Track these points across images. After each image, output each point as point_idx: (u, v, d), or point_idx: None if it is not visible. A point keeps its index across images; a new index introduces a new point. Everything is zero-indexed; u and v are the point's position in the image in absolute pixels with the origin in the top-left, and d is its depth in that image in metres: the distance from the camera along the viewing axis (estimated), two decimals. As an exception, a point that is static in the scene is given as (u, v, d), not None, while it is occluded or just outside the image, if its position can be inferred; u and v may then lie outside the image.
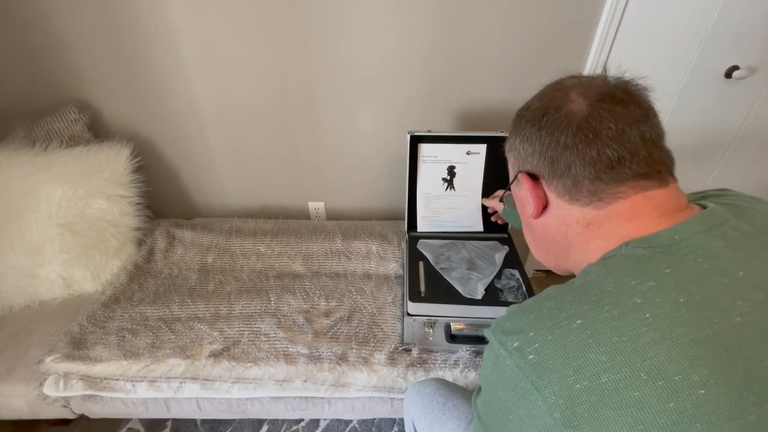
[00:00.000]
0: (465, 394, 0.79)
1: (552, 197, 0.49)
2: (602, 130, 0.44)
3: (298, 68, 1.27)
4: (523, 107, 0.54)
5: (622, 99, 0.45)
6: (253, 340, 1.03)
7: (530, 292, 1.00)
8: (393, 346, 1.02)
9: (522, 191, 0.53)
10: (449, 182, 1.22)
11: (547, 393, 0.35)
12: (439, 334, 1.00)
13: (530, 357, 0.37)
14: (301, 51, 1.24)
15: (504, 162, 1.22)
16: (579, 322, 0.37)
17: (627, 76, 0.48)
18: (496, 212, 1.18)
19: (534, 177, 0.50)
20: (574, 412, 0.34)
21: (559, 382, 0.35)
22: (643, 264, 0.40)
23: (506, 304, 0.98)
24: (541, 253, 0.57)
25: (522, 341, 0.39)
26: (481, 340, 0.99)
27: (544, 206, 0.50)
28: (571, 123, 0.45)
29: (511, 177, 0.55)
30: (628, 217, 0.44)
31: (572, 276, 0.50)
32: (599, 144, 0.44)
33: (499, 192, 1.15)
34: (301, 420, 1.24)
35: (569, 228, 0.48)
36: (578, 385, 0.35)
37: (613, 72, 0.50)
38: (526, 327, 0.40)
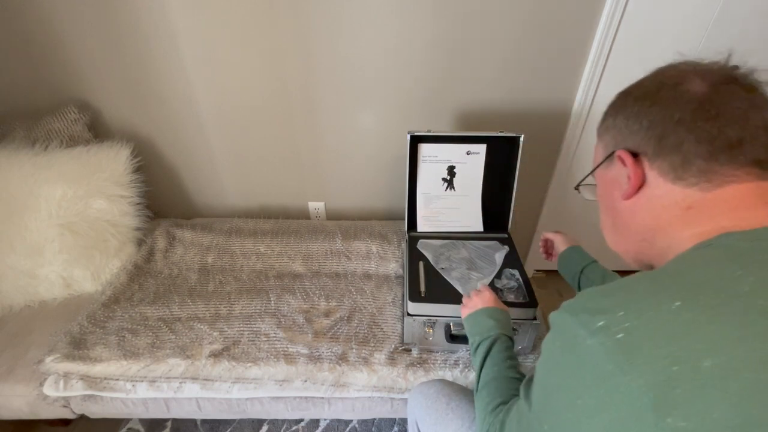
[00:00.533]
0: (468, 394, 0.79)
1: (652, 176, 0.46)
2: (726, 109, 0.42)
3: (298, 68, 1.27)
4: (632, 86, 0.52)
5: (746, 85, 0.44)
6: (253, 340, 1.03)
7: (530, 292, 1.00)
8: (393, 346, 1.02)
9: (612, 171, 0.51)
10: (449, 182, 1.22)
11: (637, 374, 0.34)
12: (439, 334, 1.00)
13: (618, 336, 0.35)
14: (301, 51, 1.24)
15: (504, 162, 1.20)
16: (678, 304, 0.35)
17: (736, 62, 0.47)
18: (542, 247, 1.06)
19: (634, 155, 0.47)
20: (669, 396, 0.32)
21: (653, 363, 0.34)
22: (749, 256, 0.38)
23: (507, 304, 0.98)
24: (620, 241, 0.54)
25: (609, 321, 0.37)
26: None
27: (640, 186, 0.47)
28: (692, 100, 0.44)
29: (600, 159, 0.53)
30: (735, 204, 0.42)
31: (648, 270, 0.48)
32: (721, 122, 0.42)
33: (550, 234, 1.03)
34: (301, 420, 1.24)
35: (664, 210, 0.46)
36: (676, 368, 0.33)
37: (721, 58, 0.49)
38: (614, 306, 0.38)
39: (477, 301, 0.82)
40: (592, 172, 0.57)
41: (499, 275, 1.07)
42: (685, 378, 0.32)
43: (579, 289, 0.90)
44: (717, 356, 0.32)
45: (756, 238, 0.39)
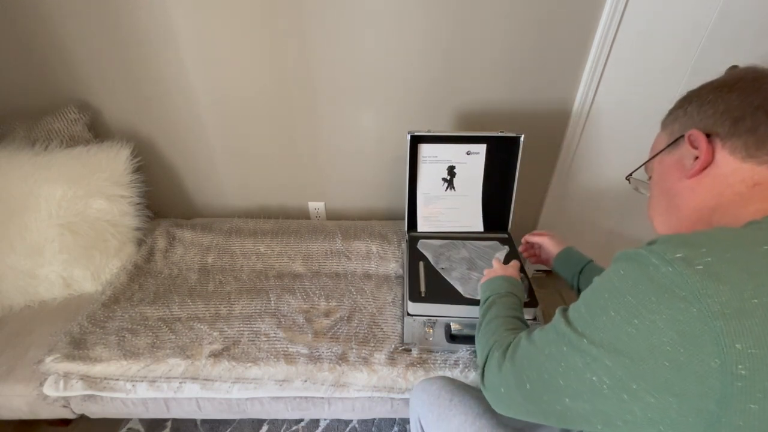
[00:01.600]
0: (471, 390, 0.79)
1: (722, 155, 0.48)
2: None
3: (298, 68, 1.27)
4: (706, 83, 0.54)
5: None
6: (253, 340, 1.03)
7: (530, 292, 1.00)
8: (393, 346, 1.02)
9: (676, 154, 0.53)
10: (449, 182, 1.22)
11: (711, 302, 0.35)
12: (439, 334, 1.00)
13: (698, 267, 0.36)
14: (302, 51, 1.24)
15: (504, 162, 1.20)
16: (765, 248, 0.37)
17: None
18: (528, 250, 1.06)
19: (706, 134, 0.49)
20: (742, 325, 0.34)
21: (732, 293, 0.35)
22: None
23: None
24: (673, 223, 0.55)
25: (690, 253, 0.38)
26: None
27: (708, 164, 0.49)
28: None
29: (663, 145, 0.56)
30: None
31: None
32: None
33: (535, 237, 1.04)
34: (301, 420, 1.24)
35: (728, 188, 0.47)
36: (755, 300, 0.34)
37: None
38: (697, 243, 0.39)
39: (498, 268, 0.87)
40: (654, 157, 0.58)
41: None
42: (764, 310, 0.34)
43: (578, 289, 0.90)
44: None
45: None
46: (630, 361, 0.39)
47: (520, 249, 1.07)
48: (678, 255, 0.38)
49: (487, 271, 0.89)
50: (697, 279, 0.36)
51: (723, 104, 0.48)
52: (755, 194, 0.46)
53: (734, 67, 0.55)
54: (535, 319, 0.97)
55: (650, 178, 0.60)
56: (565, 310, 0.50)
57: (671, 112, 0.57)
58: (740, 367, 0.33)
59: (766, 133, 0.45)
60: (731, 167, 0.47)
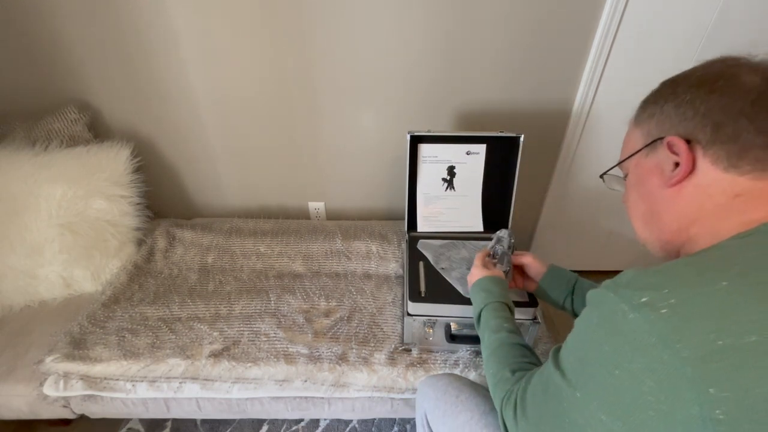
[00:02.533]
0: (477, 388, 0.79)
1: (703, 164, 0.46)
2: None
3: (298, 68, 1.27)
4: (679, 75, 0.52)
5: None
6: (253, 340, 1.03)
7: (530, 292, 0.99)
8: (393, 346, 1.02)
9: (655, 158, 0.51)
10: (449, 182, 1.22)
11: (680, 347, 0.35)
12: (439, 334, 1.00)
13: (663, 311, 0.37)
14: (302, 52, 1.24)
15: (504, 162, 1.19)
16: (725, 284, 0.37)
17: None
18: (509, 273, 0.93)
19: (686, 141, 0.47)
20: (711, 369, 0.34)
21: (698, 337, 0.35)
22: None
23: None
24: (653, 231, 0.54)
25: (653, 297, 0.38)
26: (480, 340, 0.99)
27: (689, 173, 0.48)
28: (751, 91, 0.44)
29: (639, 146, 0.54)
30: None
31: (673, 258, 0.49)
32: None
33: (518, 258, 0.94)
34: (301, 420, 1.24)
35: (709, 199, 0.46)
36: (721, 342, 0.34)
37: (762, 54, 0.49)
38: (659, 284, 0.39)
39: (471, 276, 0.86)
40: (627, 159, 0.56)
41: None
42: (731, 352, 0.34)
43: (572, 309, 0.85)
44: (763, 333, 0.34)
45: None
46: (622, 413, 0.39)
47: None
48: (643, 299, 0.38)
49: (470, 276, 0.87)
50: (662, 325, 0.36)
51: (703, 106, 0.46)
52: (735, 206, 0.45)
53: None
54: (535, 318, 0.97)
55: (626, 176, 0.58)
56: (557, 352, 0.50)
57: (645, 106, 0.54)
58: (718, 411, 0.33)
59: (748, 142, 0.44)
60: (712, 177, 0.46)
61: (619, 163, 0.59)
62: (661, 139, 0.50)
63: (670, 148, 0.48)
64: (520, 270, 0.94)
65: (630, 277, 0.42)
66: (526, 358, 0.66)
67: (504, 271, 0.88)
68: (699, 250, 0.45)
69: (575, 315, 0.83)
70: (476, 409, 0.73)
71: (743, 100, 0.44)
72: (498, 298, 0.78)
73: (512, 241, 0.96)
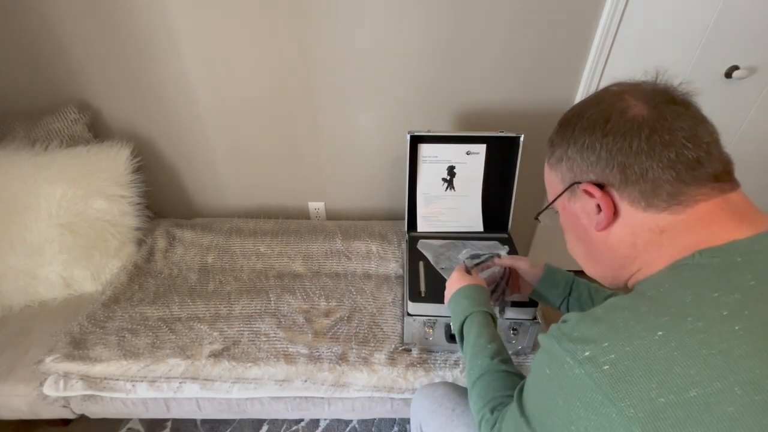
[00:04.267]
0: None
1: (623, 206, 0.46)
2: (676, 131, 0.43)
3: (298, 68, 1.27)
4: (572, 115, 0.51)
5: (681, 101, 0.45)
6: (253, 340, 1.03)
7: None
8: (393, 346, 1.02)
9: (578, 203, 0.50)
10: (449, 182, 1.22)
11: (624, 406, 0.34)
12: (439, 334, 1.00)
13: (605, 368, 0.36)
14: (301, 51, 1.24)
15: (504, 162, 1.19)
16: (660, 333, 0.36)
17: (664, 80, 0.48)
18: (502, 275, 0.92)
19: (599, 186, 0.47)
20: (657, 427, 0.33)
21: (640, 395, 0.34)
22: (724, 275, 0.38)
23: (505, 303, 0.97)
24: (597, 269, 0.54)
25: (595, 351, 0.37)
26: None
27: (613, 217, 0.47)
28: (642, 126, 0.44)
29: (559, 190, 0.53)
30: (707, 221, 0.43)
31: (624, 289, 0.50)
32: (676, 145, 0.43)
33: (509, 261, 0.92)
34: (301, 420, 1.24)
35: (638, 237, 0.46)
36: (662, 399, 0.33)
37: (649, 77, 0.49)
38: (599, 337, 0.38)
39: (449, 284, 0.83)
40: (551, 204, 0.56)
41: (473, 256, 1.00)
42: (673, 409, 0.33)
43: (568, 310, 0.85)
44: (702, 386, 0.33)
45: (727, 254, 0.40)
46: None
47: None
48: (586, 353, 0.38)
49: (448, 285, 0.84)
50: (606, 382, 0.36)
51: (603, 150, 0.46)
52: (664, 240, 0.44)
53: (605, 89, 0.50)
54: (535, 318, 0.98)
55: (557, 211, 0.57)
56: (521, 393, 0.49)
57: (552, 149, 0.53)
58: None
59: (656, 178, 0.43)
60: (634, 217, 0.46)
61: (546, 208, 0.58)
62: (577, 183, 0.49)
63: (587, 193, 0.48)
64: (515, 274, 0.91)
65: (573, 325, 0.41)
66: (509, 391, 0.61)
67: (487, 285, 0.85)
68: (643, 280, 0.45)
69: (568, 302, 0.84)
70: (472, 423, 0.73)
71: (637, 137, 0.44)
72: (481, 306, 0.74)
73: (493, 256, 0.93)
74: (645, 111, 0.45)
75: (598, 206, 0.47)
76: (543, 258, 1.71)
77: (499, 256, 0.93)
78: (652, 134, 0.43)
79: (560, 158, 0.51)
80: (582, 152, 0.48)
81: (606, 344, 0.37)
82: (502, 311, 0.94)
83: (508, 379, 0.64)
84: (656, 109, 0.44)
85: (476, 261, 0.91)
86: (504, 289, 0.91)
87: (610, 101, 0.47)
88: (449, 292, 0.82)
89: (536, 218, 0.63)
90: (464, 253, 1.12)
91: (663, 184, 0.43)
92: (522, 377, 0.64)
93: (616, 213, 0.47)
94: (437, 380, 0.97)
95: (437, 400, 0.78)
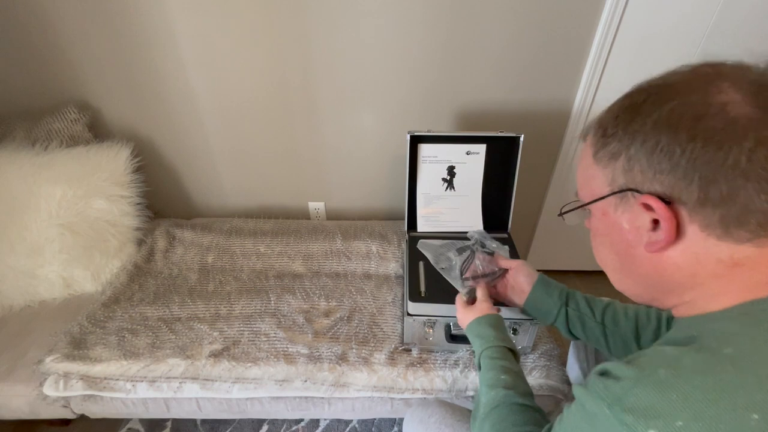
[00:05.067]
0: (468, 423, 0.74)
1: (691, 229, 0.37)
2: None
3: (297, 68, 1.27)
4: (645, 100, 0.39)
5: None
6: (253, 340, 1.03)
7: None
8: (393, 346, 1.02)
9: (626, 213, 0.41)
10: (449, 182, 1.22)
11: None
12: (439, 334, 0.99)
13: None
14: (301, 51, 1.24)
15: (504, 162, 1.17)
16: (756, 417, 0.28)
17: None
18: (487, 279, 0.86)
19: (665, 201, 0.37)
20: None
21: None
22: None
23: (507, 304, 0.97)
24: (631, 287, 0.46)
25: (664, 431, 0.30)
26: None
27: (674, 240, 0.38)
28: (746, 133, 0.33)
29: (602, 191, 0.43)
30: None
31: (658, 308, 0.44)
32: None
33: (505, 261, 0.87)
34: (301, 420, 1.24)
35: (701, 267, 0.37)
36: None
37: (755, 59, 0.40)
38: (669, 411, 0.31)
39: (460, 321, 0.77)
40: (586, 205, 0.46)
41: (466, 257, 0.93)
42: None
43: (567, 325, 0.76)
44: None
45: None
46: None
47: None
48: None
49: (459, 321, 0.78)
50: None
51: (685, 157, 0.35)
52: (737, 275, 0.36)
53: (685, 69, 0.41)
54: (535, 318, 0.97)
55: (588, 210, 0.48)
56: None
57: (604, 138, 0.41)
58: None
59: (747, 204, 0.34)
60: (703, 245, 0.37)
61: (579, 207, 0.49)
62: (631, 191, 0.39)
63: (646, 206, 0.38)
64: (504, 281, 0.86)
65: (628, 387, 0.34)
66: (528, 427, 0.56)
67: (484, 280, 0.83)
68: (698, 315, 0.38)
69: (570, 333, 0.77)
70: None
71: (737, 148, 0.34)
72: (492, 342, 0.69)
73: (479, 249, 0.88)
74: (751, 111, 0.34)
75: (654, 222, 0.38)
76: (543, 258, 1.71)
77: (490, 253, 0.88)
78: (758, 146, 0.33)
79: (616, 154, 0.40)
80: (652, 154, 0.37)
81: (680, 423, 0.30)
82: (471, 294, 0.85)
83: (527, 414, 0.58)
84: (763, 111, 0.34)
85: (464, 260, 0.89)
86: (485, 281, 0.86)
87: (703, 90, 0.37)
88: (463, 325, 0.77)
89: (561, 215, 0.54)
90: (456, 257, 1.01)
91: (755, 211, 0.34)
92: (542, 413, 0.59)
93: (678, 234, 0.38)
94: (437, 380, 0.97)
95: (433, 426, 0.72)
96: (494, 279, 0.87)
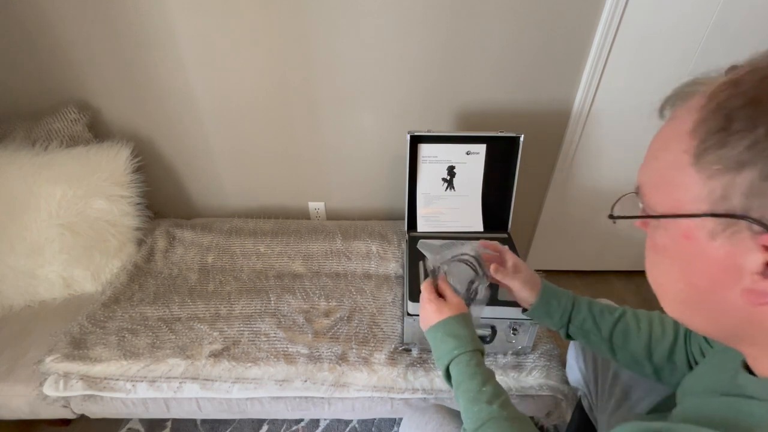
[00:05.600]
0: None
1: None
2: None
3: (297, 68, 1.27)
4: None
5: None
6: (253, 340, 1.03)
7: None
8: (393, 346, 1.02)
9: (726, 248, 0.30)
10: (449, 182, 1.22)
11: None
12: (439, 334, 0.99)
13: None
14: (301, 51, 1.24)
15: (504, 162, 1.15)
16: None
17: None
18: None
19: None
20: None
21: None
22: None
23: (507, 303, 0.97)
24: (698, 323, 0.36)
25: None
26: (480, 340, 0.98)
27: None
28: None
29: (693, 206, 0.31)
30: None
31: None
32: None
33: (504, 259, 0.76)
34: (301, 420, 1.24)
35: None
36: None
37: None
38: None
39: (424, 313, 0.68)
40: (662, 217, 0.34)
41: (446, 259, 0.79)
42: None
43: (567, 333, 0.72)
44: None
45: None
46: None
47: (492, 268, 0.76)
48: None
49: (422, 312, 0.68)
50: None
51: None
52: None
53: None
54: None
55: (650, 219, 0.36)
56: None
57: (727, 137, 0.29)
58: None
59: None
60: None
61: (649, 217, 0.36)
62: (752, 221, 0.28)
63: (765, 248, 0.28)
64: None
65: None
66: None
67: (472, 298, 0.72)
68: None
69: (568, 336, 0.73)
70: None
71: None
72: (468, 345, 0.61)
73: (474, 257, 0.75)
74: None
75: (767, 265, 0.28)
76: (543, 258, 1.71)
77: (477, 260, 0.74)
78: None
79: (741, 163, 0.28)
80: None
81: None
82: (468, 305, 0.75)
83: (515, 429, 0.54)
84: None
85: (447, 260, 0.75)
86: (477, 287, 0.74)
87: None
88: (426, 324, 0.67)
89: (611, 216, 0.41)
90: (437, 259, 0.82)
91: None
92: (527, 422, 0.56)
93: None
94: (437, 380, 0.97)
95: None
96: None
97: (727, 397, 0.34)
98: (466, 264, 0.74)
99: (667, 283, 0.37)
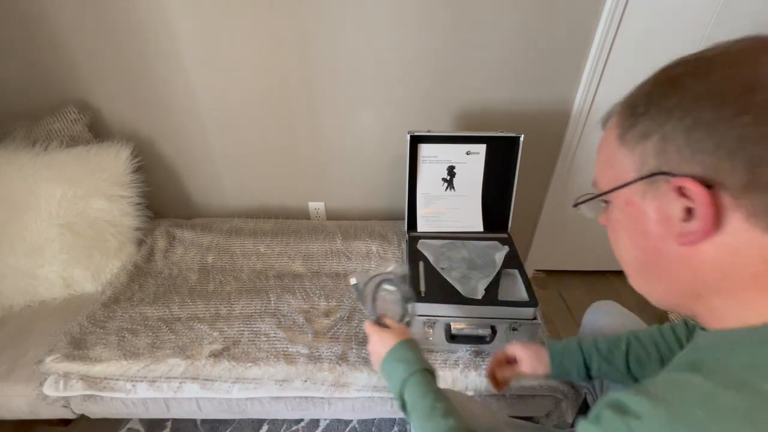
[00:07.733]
0: (476, 404, 0.74)
1: (733, 219, 0.32)
2: None
3: (297, 68, 1.27)
4: (683, 73, 0.37)
5: None
6: (253, 340, 1.03)
7: (530, 292, 0.99)
8: (393, 346, 1.02)
9: (656, 200, 0.36)
10: (449, 182, 1.22)
11: None
12: (439, 334, 0.99)
13: None
14: (301, 51, 1.24)
15: (504, 162, 1.16)
16: None
17: None
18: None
19: (706, 185, 0.32)
20: None
21: None
22: None
23: (507, 303, 0.97)
24: (654, 288, 0.41)
25: None
26: (480, 340, 0.99)
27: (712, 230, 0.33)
28: None
29: (628, 176, 0.38)
30: None
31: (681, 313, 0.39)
32: None
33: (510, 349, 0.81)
34: (301, 420, 1.24)
35: (741, 267, 0.33)
36: None
37: None
38: None
39: (374, 351, 0.69)
40: (608, 192, 0.41)
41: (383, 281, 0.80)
42: None
43: (588, 375, 0.73)
44: None
45: None
46: None
47: (487, 373, 0.83)
48: None
49: (373, 351, 0.70)
50: None
51: (732, 134, 0.31)
52: None
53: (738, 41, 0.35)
54: (535, 318, 0.97)
55: (606, 201, 0.43)
56: None
57: (634, 117, 0.37)
58: None
59: None
60: (746, 238, 0.32)
61: (598, 196, 0.43)
62: (664, 174, 0.35)
63: (680, 191, 0.34)
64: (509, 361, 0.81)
65: (655, 428, 0.30)
66: None
67: (402, 318, 0.75)
68: (732, 330, 0.34)
69: (589, 376, 0.74)
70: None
71: None
72: (416, 366, 0.63)
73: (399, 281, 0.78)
74: None
75: (688, 210, 0.34)
76: (543, 258, 1.71)
77: (400, 277, 0.77)
78: None
79: (647, 133, 0.36)
80: (691, 131, 0.33)
81: None
82: (409, 324, 0.79)
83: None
84: None
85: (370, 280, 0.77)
86: (407, 306, 0.78)
87: (752, 61, 0.32)
88: (377, 359, 0.68)
89: (575, 206, 0.48)
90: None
91: None
92: None
93: (716, 225, 0.33)
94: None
95: None
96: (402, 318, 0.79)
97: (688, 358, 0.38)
98: (390, 283, 0.78)
99: (625, 255, 0.43)
